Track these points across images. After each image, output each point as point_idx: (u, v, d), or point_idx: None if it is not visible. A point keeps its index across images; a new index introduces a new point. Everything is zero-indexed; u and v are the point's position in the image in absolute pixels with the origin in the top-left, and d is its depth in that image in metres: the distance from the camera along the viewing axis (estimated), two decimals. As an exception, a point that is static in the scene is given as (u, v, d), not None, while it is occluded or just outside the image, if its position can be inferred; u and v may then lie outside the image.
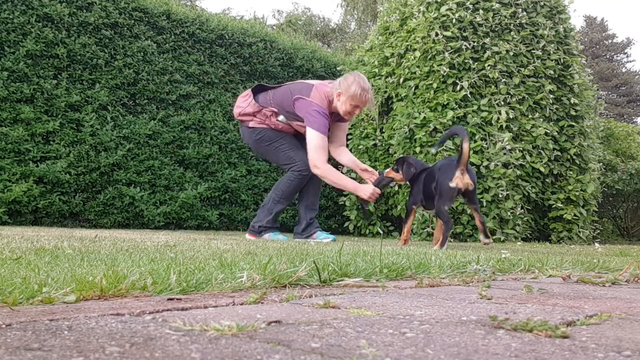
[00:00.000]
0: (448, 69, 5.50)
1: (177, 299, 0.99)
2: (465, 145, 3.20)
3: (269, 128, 4.04)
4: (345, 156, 4.14)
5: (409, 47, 5.98)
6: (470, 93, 5.52)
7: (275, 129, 4.05)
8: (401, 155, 4.09)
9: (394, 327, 0.78)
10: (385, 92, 6.17)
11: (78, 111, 5.50)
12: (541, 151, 5.62)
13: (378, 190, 3.74)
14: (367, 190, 3.72)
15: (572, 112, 5.87)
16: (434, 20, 5.72)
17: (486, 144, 5.40)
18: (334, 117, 4.00)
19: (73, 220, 5.51)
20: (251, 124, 4.06)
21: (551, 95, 5.82)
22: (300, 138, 4.06)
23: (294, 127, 4.07)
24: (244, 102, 4.09)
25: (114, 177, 5.58)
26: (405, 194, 5.63)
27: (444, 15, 5.70)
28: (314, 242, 3.54)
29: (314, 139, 3.79)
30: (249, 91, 4.11)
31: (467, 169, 3.29)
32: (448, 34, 5.58)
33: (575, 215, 5.60)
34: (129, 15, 5.86)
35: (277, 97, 3.97)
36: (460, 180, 3.25)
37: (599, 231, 6.84)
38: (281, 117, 4.00)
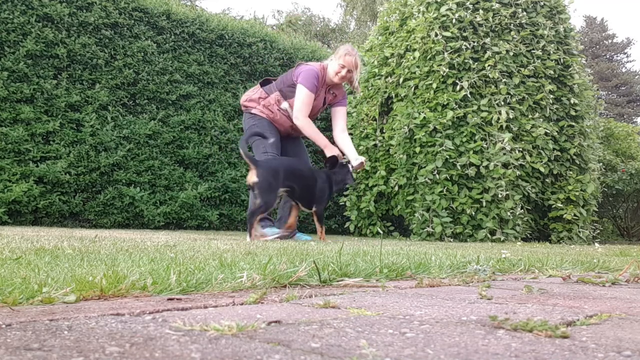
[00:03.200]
0: (448, 69, 5.50)
1: (177, 299, 0.99)
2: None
3: (266, 119, 4.24)
4: (345, 143, 4.27)
5: (408, 47, 5.98)
6: (470, 93, 5.52)
7: (272, 120, 4.24)
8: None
9: (394, 327, 0.78)
10: (385, 92, 6.17)
11: (78, 111, 5.50)
12: (541, 151, 5.62)
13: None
14: (335, 150, 4.12)
15: (572, 112, 5.87)
16: (433, 21, 5.72)
17: (486, 144, 5.40)
18: (330, 94, 4.29)
19: (73, 220, 5.51)
20: (254, 111, 4.28)
21: (551, 95, 5.82)
22: (288, 141, 4.35)
23: (290, 123, 4.26)
24: (251, 91, 4.38)
25: (114, 177, 5.58)
26: (406, 194, 5.63)
27: (443, 16, 5.70)
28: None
29: (300, 93, 4.09)
30: (258, 84, 4.43)
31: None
32: (448, 34, 5.58)
33: (575, 215, 5.60)
34: (129, 15, 5.87)
35: (281, 77, 4.29)
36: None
37: (599, 231, 6.83)
38: (284, 105, 4.18)
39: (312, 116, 4.30)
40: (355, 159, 4.12)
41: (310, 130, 4.11)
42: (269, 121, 4.22)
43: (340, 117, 4.32)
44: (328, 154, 4.08)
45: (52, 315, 0.79)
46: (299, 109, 4.08)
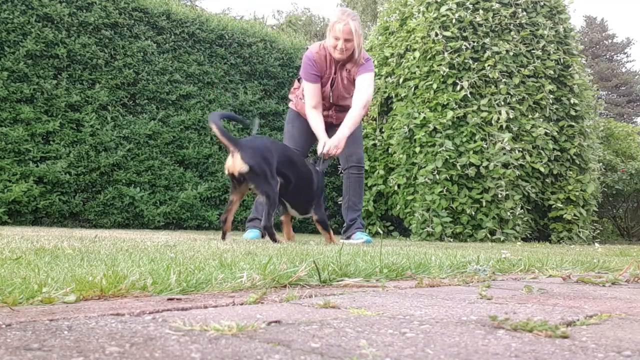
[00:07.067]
0: (448, 69, 5.51)
1: (177, 299, 0.99)
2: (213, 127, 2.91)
3: (294, 110, 4.00)
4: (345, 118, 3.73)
5: (408, 47, 5.98)
6: (470, 93, 5.52)
7: (300, 111, 3.97)
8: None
9: (394, 327, 0.78)
10: (385, 92, 6.17)
11: (78, 111, 5.50)
12: (541, 151, 5.63)
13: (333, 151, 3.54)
14: (322, 144, 3.57)
15: (572, 112, 5.87)
16: (433, 21, 5.72)
17: (486, 144, 5.40)
18: (344, 71, 3.80)
19: (73, 220, 5.51)
20: (289, 104, 4.09)
21: (551, 95, 5.82)
22: (334, 131, 3.90)
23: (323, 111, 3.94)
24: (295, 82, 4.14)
25: (114, 177, 5.58)
26: (406, 194, 5.63)
27: (443, 16, 5.70)
28: (347, 243, 3.51)
29: (304, 87, 3.78)
30: None
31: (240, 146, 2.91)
32: (448, 34, 5.58)
33: (575, 215, 5.60)
34: (129, 15, 5.87)
35: None
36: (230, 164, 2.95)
37: (599, 231, 6.84)
38: None
39: (329, 102, 3.89)
40: (323, 144, 3.53)
41: (311, 121, 3.73)
42: (297, 113, 3.95)
43: (356, 89, 3.72)
44: (319, 146, 3.60)
45: (52, 315, 0.79)
46: (305, 103, 3.79)
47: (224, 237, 3.08)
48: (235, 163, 2.91)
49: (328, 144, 3.53)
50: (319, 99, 3.78)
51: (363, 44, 3.76)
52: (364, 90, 3.70)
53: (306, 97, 3.77)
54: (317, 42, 3.88)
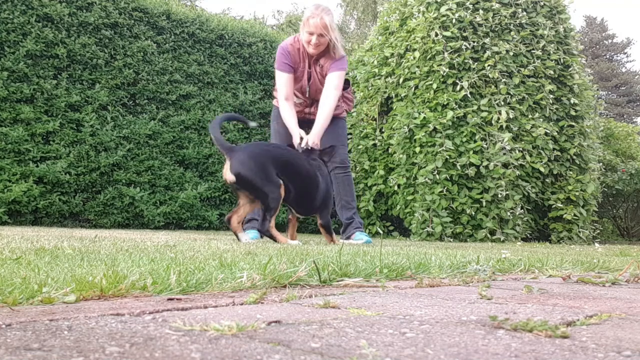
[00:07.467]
0: (448, 69, 5.51)
1: (177, 299, 0.99)
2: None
3: (277, 107, 3.93)
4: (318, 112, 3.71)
5: (408, 47, 5.98)
6: (470, 93, 5.52)
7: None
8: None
9: (394, 327, 0.78)
10: (385, 92, 6.17)
11: (78, 111, 5.50)
12: (541, 151, 5.62)
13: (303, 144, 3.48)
14: (296, 138, 3.53)
15: (572, 112, 5.87)
16: (433, 21, 5.72)
17: (486, 144, 5.40)
18: (317, 66, 3.80)
19: (73, 220, 5.51)
20: (274, 101, 4.05)
21: (551, 95, 5.82)
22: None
23: (301, 108, 3.93)
24: None
25: (114, 177, 5.58)
26: (406, 193, 5.63)
27: (443, 16, 5.70)
28: (347, 243, 3.50)
29: (276, 77, 3.79)
30: None
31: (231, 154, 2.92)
32: (448, 34, 5.58)
33: (575, 215, 5.60)
34: (129, 15, 5.87)
35: None
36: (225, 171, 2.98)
37: (599, 231, 6.83)
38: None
39: (308, 97, 3.87)
40: (301, 138, 3.46)
41: (283, 114, 3.68)
42: (278, 108, 3.87)
43: (326, 83, 3.71)
44: (293, 141, 3.53)
45: (52, 315, 0.79)
46: (277, 92, 3.78)
47: (238, 238, 3.04)
48: (225, 171, 2.95)
49: (310, 140, 3.47)
50: (291, 90, 3.76)
51: (341, 40, 3.73)
52: (331, 89, 3.66)
53: (278, 88, 3.77)
54: (290, 37, 3.87)
